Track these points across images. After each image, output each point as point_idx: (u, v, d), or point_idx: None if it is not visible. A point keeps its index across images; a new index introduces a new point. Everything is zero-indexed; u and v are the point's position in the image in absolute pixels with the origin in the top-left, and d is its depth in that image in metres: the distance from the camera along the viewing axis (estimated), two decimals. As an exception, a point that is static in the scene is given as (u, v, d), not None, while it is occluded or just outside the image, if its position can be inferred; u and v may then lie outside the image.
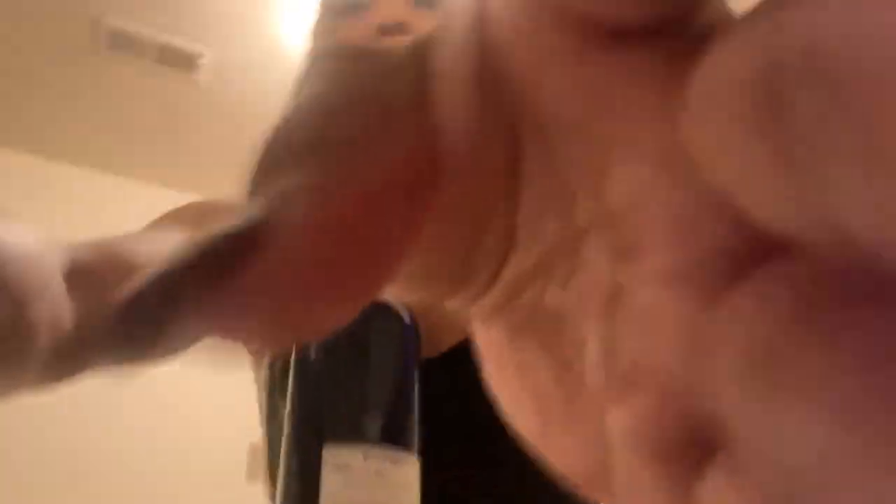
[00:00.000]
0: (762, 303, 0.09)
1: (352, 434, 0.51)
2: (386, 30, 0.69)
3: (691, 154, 0.09)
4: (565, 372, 0.13)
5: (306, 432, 0.53)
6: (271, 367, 0.68)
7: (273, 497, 0.67)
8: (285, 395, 0.57)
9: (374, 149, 0.12)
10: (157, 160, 2.89)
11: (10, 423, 2.56)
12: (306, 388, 0.55)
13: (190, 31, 2.37)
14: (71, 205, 2.84)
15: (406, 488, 0.51)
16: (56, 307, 0.31)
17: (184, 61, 2.47)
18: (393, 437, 0.52)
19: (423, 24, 0.70)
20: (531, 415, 0.14)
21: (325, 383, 0.54)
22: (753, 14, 0.08)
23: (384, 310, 0.55)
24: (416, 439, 0.53)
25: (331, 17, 0.75)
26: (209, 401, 2.81)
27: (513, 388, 0.14)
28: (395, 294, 0.15)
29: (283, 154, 0.12)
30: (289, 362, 0.58)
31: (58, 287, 0.32)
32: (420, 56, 0.13)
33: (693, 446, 0.10)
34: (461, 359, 0.64)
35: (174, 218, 0.62)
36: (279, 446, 0.56)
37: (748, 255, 0.09)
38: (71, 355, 0.30)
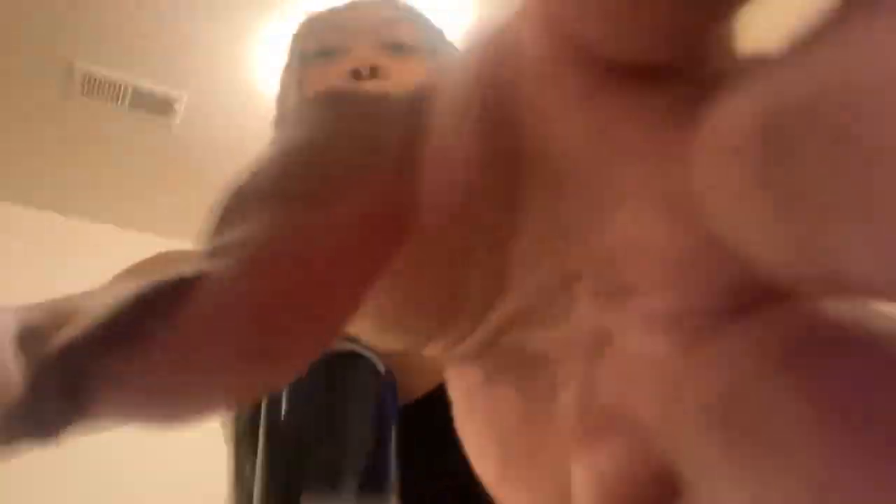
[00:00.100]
0: (743, 348, 0.09)
1: (330, 486, 0.50)
2: (359, 75, 0.69)
3: (695, 199, 0.09)
4: (536, 418, 0.13)
5: (280, 485, 0.52)
6: (236, 420, 0.66)
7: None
8: (252, 450, 0.55)
9: (342, 192, 0.12)
10: (131, 205, 2.87)
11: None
12: (278, 440, 0.54)
13: (165, 75, 2.37)
14: (45, 250, 2.81)
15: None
16: (4, 371, 0.31)
17: (159, 106, 2.46)
18: (372, 487, 0.51)
19: (396, 68, 0.70)
20: (493, 463, 0.13)
21: (299, 435, 0.53)
22: (757, 67, 0.09)
23: (358, 360, 0.54)
24: (394, 489, 0.52)
25: (302, 62, 0.74)
26: (181, 457, 2.75)
27: (479, 433, 0.14)
28: (370, 341, 0.14)
29: (242, 201, 0.12)
30: (255, 416, 0.57)
31: (6, 352, 0.32)
32: (407, 101, 0.13)
33: (660, 499, 0.10)
34: (438, 404, 0.63)
35: (140, 271, 0.61)
36: (246, 502, 0.54)
37: (739, 302, 0.09)
38: (22, 418, 0.30)
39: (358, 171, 0.12)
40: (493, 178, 0.12)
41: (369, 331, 0.14)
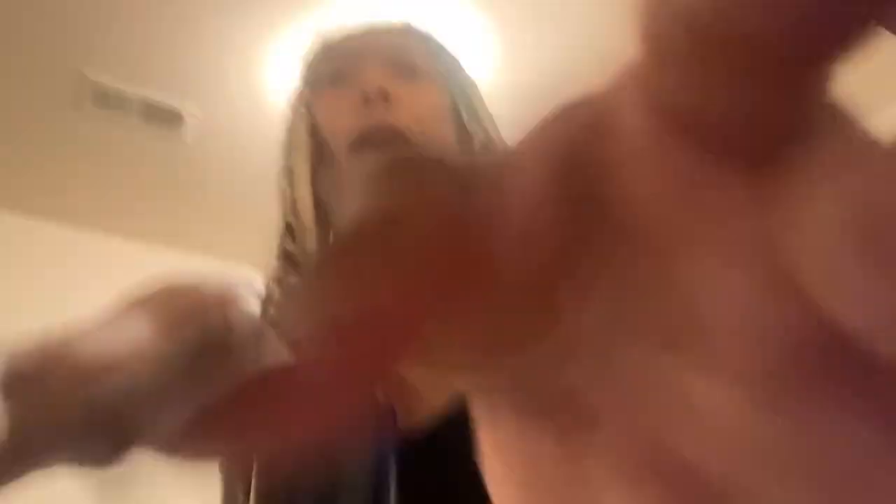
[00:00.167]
0: (837, 417, 0.10)
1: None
2: (369, 99, 0.68)
3: (786, 264, 0.10)
4: (569, 455, 0.13)
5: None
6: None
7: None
8: (246, 488, 0.54)
9: (422, 259, 0.12)
10: (141, 216, 2.87)
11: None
12: (269, 477, 0.52)
13: (176, 87, 2.37)
14: (55, 262, 2.81)
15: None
16: None
17: (169, 118, 2.46)
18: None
19: (407, 92, 0.70)
20: (519, 498, 0.14)
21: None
22: (846, 162, 0.10)
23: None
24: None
25: (312, 86, 0.74)
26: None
27: (505, 465, 0.14)
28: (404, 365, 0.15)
29: (329, 262, 0.13)
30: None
31: None
32: (485, 168, 0.13)
33: None
34: (442, 435, 0.61)
35: (140, 306, 0.60)
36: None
37: (824, 366, 0.10)
38: (6, 462, 0.30)
39: (437, 238, 0.12)
40: (569, 237, 0.12)
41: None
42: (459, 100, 0.75)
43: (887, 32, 0.10)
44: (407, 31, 0.76)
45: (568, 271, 0.12)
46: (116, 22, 2.13)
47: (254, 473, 0.53)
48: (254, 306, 0.68)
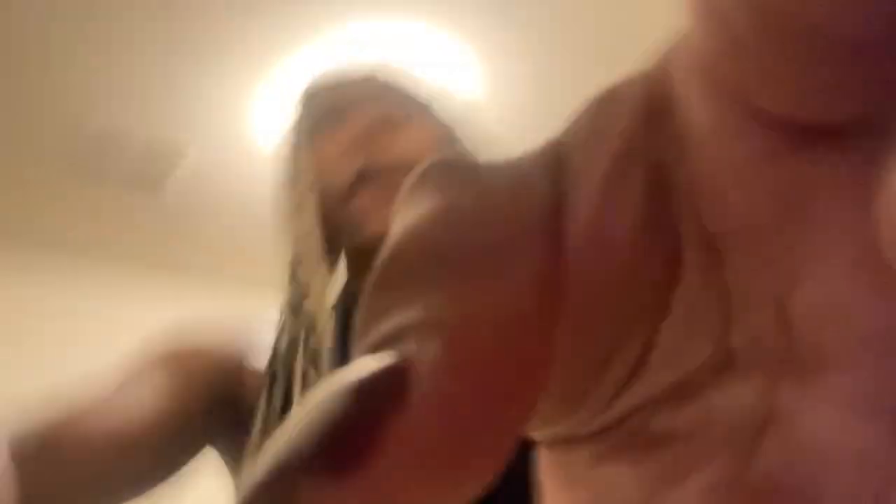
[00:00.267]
0: None
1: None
2: (360, 145, 0.69)
3: (890, 263, 0.09)
4: (655, 497, 0.12)
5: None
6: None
7: None
8: None
9: (505, 267, 0.11)
10: (131, 259, 2.86)
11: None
12: None
13: (167, 129, 2.37)
14: (45, 304, 2.79)
15: None
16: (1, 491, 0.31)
17: (161, 161, 2.46)
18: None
19: (399, 137, 0.70)
20: None
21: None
22: None
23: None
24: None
25: (304, 134, 0.75)
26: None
27: None
28: None
29: (399, 277, 0.12)
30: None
31: (1, 471, 0.31)
32: (553, 167, 0.12)
33: None
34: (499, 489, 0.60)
35: (153, 368, 0.60)
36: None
37: None
38: None
39: (509, 240, 0.12)
40: (653, 241, 0.11)
41: None
42: (452, 132, 0.76)
43: None
44: (389, 77, 0.78)
45: (649, 289, 0.11)
46: (109, 68, 2.14)
47: None
48: (267, 348, 0.68)
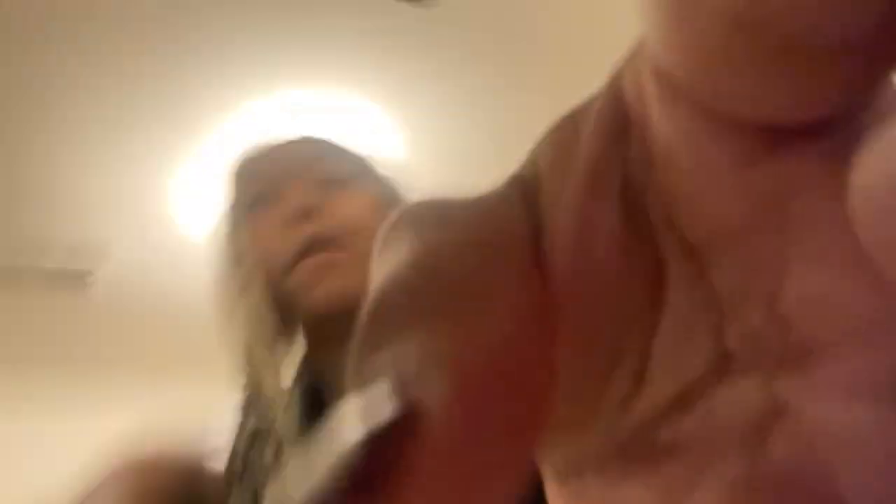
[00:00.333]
0: None
1: None
2: (299, 216, 0.69)
3: (869, 252, 0.09)
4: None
5: None
6: None
7: None
8: None
9: (497, 292, 0.11)
10: (52, 367, 2.76)
11: None
12: None
13: (86, 228, 2.31)
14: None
15: None
16: None
17: (81, 261, 2.40)
18: None
19: (335, 203, 0.70)
20: None
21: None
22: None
23: None
24: None
25: (239, 211, 0.74)
26: None
27: None
28: None
29: (392, 313, 0.11)
30: None
31: None
32: (521, 199, 0.12)
33: None
34: None
35: (111, 483, 0.59)
36: None
37: None
38: None
39: (493, 273, 0.12)
40: (635, 257, 0.11)
41: None
42: (392, 190, 0.76)
43: None
44: (316, 143, 0.78)
45: (637, 299, 0.11)
46: (29, 169, 2.08)
47: None
48: (222, 452, 0.67)
